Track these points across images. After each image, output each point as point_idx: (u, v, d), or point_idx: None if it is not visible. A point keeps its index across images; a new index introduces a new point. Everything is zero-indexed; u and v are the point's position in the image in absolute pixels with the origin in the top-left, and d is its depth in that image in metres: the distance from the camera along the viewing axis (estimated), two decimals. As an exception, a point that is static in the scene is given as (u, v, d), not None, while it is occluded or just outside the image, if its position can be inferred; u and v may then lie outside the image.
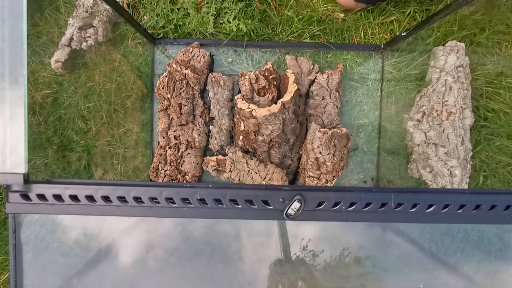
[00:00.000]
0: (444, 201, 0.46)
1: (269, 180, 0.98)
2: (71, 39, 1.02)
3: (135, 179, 1.12)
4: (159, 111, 1.03)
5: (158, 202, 0.45)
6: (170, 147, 1.03)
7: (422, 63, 1.04)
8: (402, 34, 0.93)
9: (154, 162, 1.04)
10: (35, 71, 1.09)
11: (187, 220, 0.49)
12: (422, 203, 0.46)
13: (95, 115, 1.11)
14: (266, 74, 0.96)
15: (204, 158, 1.07)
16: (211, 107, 1.04)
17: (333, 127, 1.02)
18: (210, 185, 0.45)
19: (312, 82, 1.04)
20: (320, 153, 0.95)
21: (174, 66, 0.99)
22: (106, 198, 0.45)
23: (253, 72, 0.96)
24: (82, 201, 0.45)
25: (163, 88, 1.00)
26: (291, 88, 0.91)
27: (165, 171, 1.04)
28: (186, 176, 1.04)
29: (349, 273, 0.50)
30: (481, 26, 1.03)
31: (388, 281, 0.51)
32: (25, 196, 0.44)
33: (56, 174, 1.12)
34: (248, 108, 0.90)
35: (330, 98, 1.02)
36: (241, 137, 1.01)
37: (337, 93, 1.03)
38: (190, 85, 1.00)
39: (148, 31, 1.04)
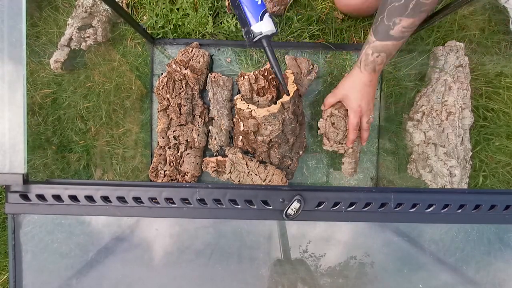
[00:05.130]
0: (444, 201, 0.46)
1: (269, 181, 0.98)
2: (70, 39, 1.02)
3: (135, 179, 1.12)
4: (158, 111, 1.03)
5: (157, 202, 0.45)
6: (169, 147, 1.03)
7: (422, 63, 1.04)
8: (402, 34, 0.92)
9: (154, 162, 1.04)
10: (34, 71, 1.09)
11: (186, 220, 0.49)
12: (421, 203, 0.46)
13: (94, 115, 1.11)
14: (266, 74, 0.96)
15: (204, 159, 1.07)
16: (211, 107, 1.04)
17: None
18: (209, 185, 0.45)
19: (311, 82, 1.04)
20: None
21: (174, 66, 0.99)
22: (105, 199, 0.45)
23: (252, 72, 0.96)
24: (81, 201, 0.45)
25: (162, 88, 1.00)
26: (291, 88, 0.91)
27: (164, 171, 1.04)
28: (186, 176, 1.04)
29: (348, 273, 0.50)
30: (481, 26, 1.03)
31: (387, 281, 0.51)
32: (25, 197, 0.44)
33: (55, 174, 1.12)
34: (248, 108, 0.90)
35: None
36: (240, 137, 1.01)
37: None
38: (190, 85, 1.00)
39: (148, 31, 1.04)
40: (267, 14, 0.63)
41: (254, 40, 0.68)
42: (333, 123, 1.01)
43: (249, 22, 0.64)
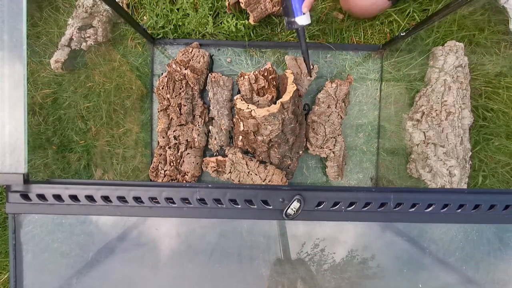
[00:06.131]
0: (443, 201, 0.46)
1: (269, 181, 0.98)
2: (71, 39, 1.02)
3: (135, 179, 1.12)
4: (158, 111, 1.03)
5: (158, 202, 0.45)
6: (169, 147, 1.04)
7: (421, 63, 1.04)
8: (401, 34, 0.93)
9: (154, 162, 1.05)
10: (35, 71, 1.09)
11: (187, 220, 0.49)
12: (421, 203, 0.46)
13: (94, 115, 1.11)
14: (266, 74, 0.96)
15: (204, 159, 1.07)
16: (211, 107, 1.04)
17: (333, 137, 1.02)
18: (209, 185, 0.45)
19: (311, 82, 1.05)
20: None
21: (174, 66, 0.99)
22: (106, 198, 0.45)
23: (252, 72, 0.96)
24: (82, 201, 0.45)
25: (162, 88, 1.00)
26: (290, 88, 0.91)
27: (164, 171, 1.04)
28: (186, 176, 1.04)
29: (348, 273, 0.51)
30: (480, 26, 1.03)
31: (387, 281, 0.51)
32: (25, 196, 0.44)
33: (56, 174, 1.12)
34: (247, 108, 0.90)
35: (335, 108, 1.02)
36: (240, 137, 1.01)
37: (343, 104, 1.03)
38: (190, 85, 1.00)
39: (148, 31, 1.04)
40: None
41: (293, 29, 0.85)
42: (313, 129, 1.03)
43: (294, 14, 0.80)
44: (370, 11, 1.00)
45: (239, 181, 1.02)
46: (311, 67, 1.01)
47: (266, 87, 0.97)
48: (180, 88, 0.99)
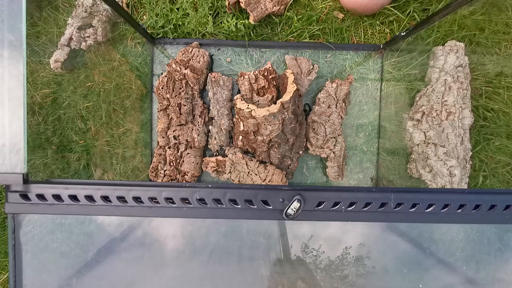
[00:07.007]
0: (444, 201, 0.46)
1: (269, 181, 0.98)
2: (70, 39, 1.02)
3: (135, 179, 1.12)
4: (158, 111, 1.03)
5: (157, 202, 0.45)
6: (169, 147, 1.03)
7: (422, 63, 1.04)
8: (402, 34, 0.93)
9: (154, 162, 1.04)
10: (34, 71, 1.09)
11: (186, 220, 0.49)
12: (421, 203, 0.46)
13: (94, 115, 1.11)
14: (266, 74, 0.96)
15: (204, 159, 1.07)
16: (211, 107, 1.04)
17: (334, 137, 1.02)
18: (209, 185, 0.45)
19: (311, 82, 1.05)
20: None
21: (174, 66, 0.99)
22: (105, 198, 0.45)
23: (252, 72, 0.95)
24: (81, 201, 0.45)
25: (162, 88, 1.00)
26: (290, 88, 0.91)
27: (164, 171, 1.04)
28: (186, 176, 1.04)
29: (348, 273, 0.50)
30: (481, 26, 1.03)
31: (387, 281, 0.51)
32: (25, 196, 0.44)
33: (55, 174, 1.11)
34: (247, 108, 0.90)
35: (336, 108, 1.02)
36: (240, 137, 1.01)
37: (343, 104, 1.03)
38: (190, 85, 1.00)
39: (148, 31, 1.04)
40: None
41: None
42: (314, 129, 1.03)
43: None
44: (370, 7, 1.00)
45: (239, 181, 1.01)
46: (312, 66, 1.01)
47: (266, 87, 0.96)
48: (180, 88, 0.99)
